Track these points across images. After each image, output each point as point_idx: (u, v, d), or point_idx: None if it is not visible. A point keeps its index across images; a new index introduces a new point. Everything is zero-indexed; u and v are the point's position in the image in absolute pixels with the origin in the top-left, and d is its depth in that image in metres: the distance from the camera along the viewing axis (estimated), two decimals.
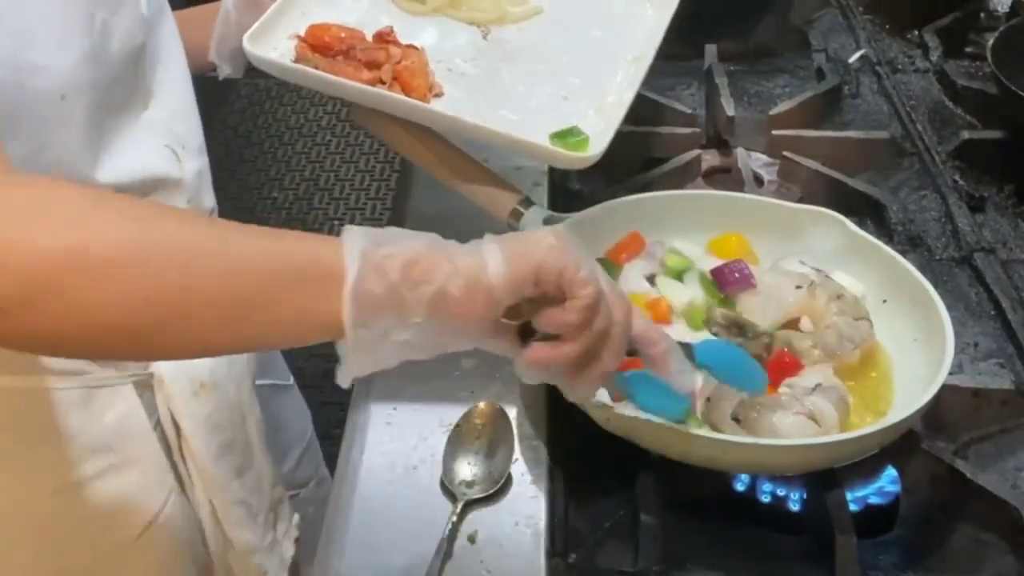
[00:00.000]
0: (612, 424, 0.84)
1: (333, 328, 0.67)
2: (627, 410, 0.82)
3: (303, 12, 1.05)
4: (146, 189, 0.93)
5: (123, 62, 0.91)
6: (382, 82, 1.00)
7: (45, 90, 0.82)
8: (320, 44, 1.02)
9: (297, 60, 1.00)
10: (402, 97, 0.98)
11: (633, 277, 1.00)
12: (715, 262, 0.99)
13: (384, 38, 1.04)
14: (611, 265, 1.00)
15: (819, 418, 0.84)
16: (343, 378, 0.71)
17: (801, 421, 0.83)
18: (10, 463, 0.97)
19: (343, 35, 1.03)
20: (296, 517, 1.18)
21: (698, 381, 0.82)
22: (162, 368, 0.99)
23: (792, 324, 0.94)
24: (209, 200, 1.04)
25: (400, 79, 1.01)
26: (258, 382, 1.12)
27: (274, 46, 1.01)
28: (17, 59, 0.80)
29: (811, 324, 0.94)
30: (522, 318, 0.70)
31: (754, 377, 0.85)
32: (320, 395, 2.40)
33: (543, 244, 0.68)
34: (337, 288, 0.65)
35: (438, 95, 1.03)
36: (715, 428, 0.85)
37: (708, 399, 0.87)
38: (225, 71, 1.11)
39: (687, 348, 0.79)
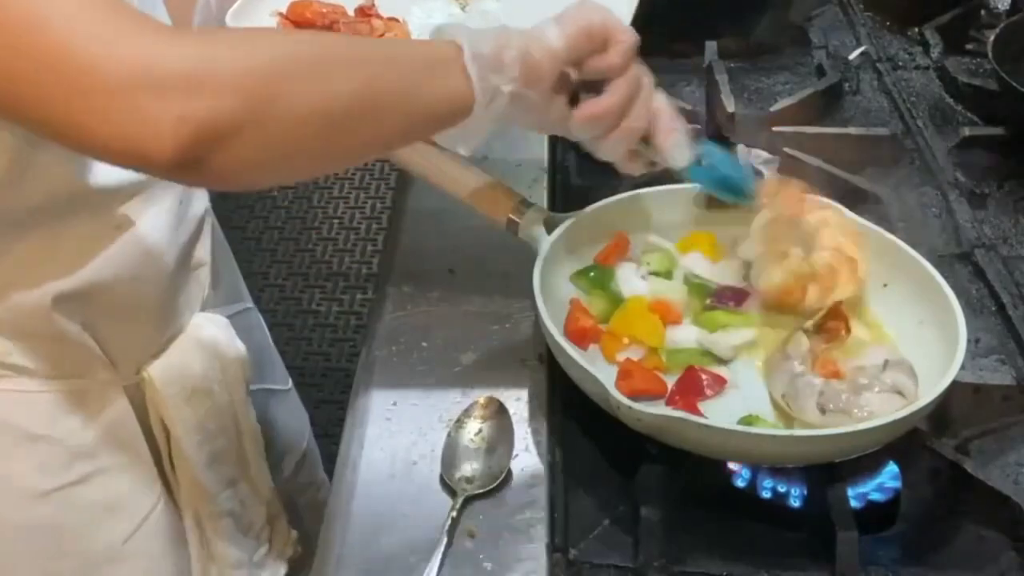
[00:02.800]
0: (643, 424, 0.83)
1: (462, 94, 0.81)
2: (654, 409, 0.82)
3: None
4: (135, 189, 0.92)
5: None
6: None
7: None
8: (302, 20, 1.03)
9: None
10: None
11: (631, 278, 1.00)
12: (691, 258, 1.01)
13: (366, 12, 1.05)
14: (603, 269, 1.00)
15: (903, 390, 0.85)
16: (467, 145, 0.87)
17: (887, 397, 0.85)
18: (1, 465, 0.96)
19: (324, 10, 1.04)
20: (294, 534, 1.17)
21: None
22: (154, 373, 0.98)
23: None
24: (201, 202, 1.03)
25: None
26: (254, 387, 1.11)
27: (257, 24, 1.01)
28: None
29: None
30: (572, 87, 0.87)
31: (746, 184, 0.98)
32: (319, 393, 2.42)
33: (589, 7, 0.86)
34: (459, 64, 0.80)
35: None
36: (799, 422, 0.86)
37: (783, 395, 0.88)
38: None
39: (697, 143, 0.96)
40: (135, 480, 1.01)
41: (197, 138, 0.67)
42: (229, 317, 1.08)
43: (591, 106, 0.87)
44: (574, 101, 0.87)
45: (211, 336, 1.04)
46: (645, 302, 0.97)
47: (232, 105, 0.68)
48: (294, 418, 1.30)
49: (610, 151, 0.90)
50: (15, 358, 0.91)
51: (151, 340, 0.99)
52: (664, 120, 0.91)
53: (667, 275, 1.00)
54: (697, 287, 0.98)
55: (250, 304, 1.23)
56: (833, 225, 0.97)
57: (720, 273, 1.00)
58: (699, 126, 1.12)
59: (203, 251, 1.05)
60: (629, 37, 0.86)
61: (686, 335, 0.96)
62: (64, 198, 0.87)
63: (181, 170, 0.69)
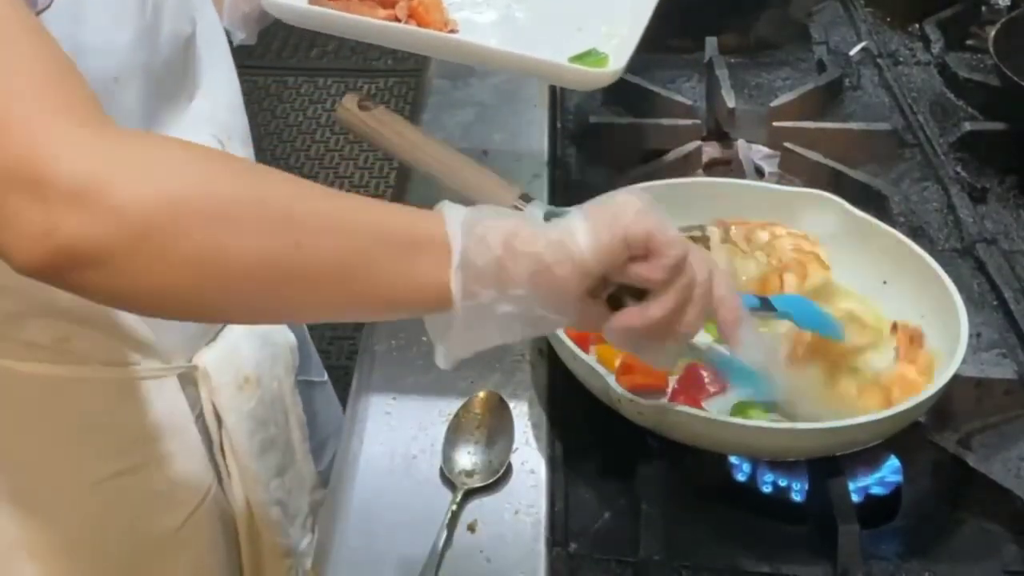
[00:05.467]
0: (644, 417, 0.83)
1: (439, 298, 0.67)
2: (656, 402, 0.82)
3: None
4: None
5: (172, 48, 0.91)
6: (397, 19, 0.99)
7: (100, 71, 0.81)
8: None
9: (312, 3, 1.00)
10: (427, 31, 0.98)
11: None
12: None
13: None
14: None
15: None
16: (445, 360, 0.71)
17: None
18: (51, 452, 0.96)
19: None
20: None
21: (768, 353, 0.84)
22: (206, 361, 0.98)
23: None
24: None
25: (416, 15, 1.01)
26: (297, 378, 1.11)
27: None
28: (72, 40, 0.78)
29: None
30: (610, 289, 0.71)
31: (831, 322, 0.89)
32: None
33: (629, 210, 0.68)
34: (444, 259, 0.66)
35: (453, 32, 1.02)
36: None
37: None
38: (238, 37, 1.10)
39: (765, 301, 0.84)
40: (187, 469, 1.01)
41: (59, 253, 0.62)
42: None
43: (630, 317, 0.71)
44: (615, 302, 0.72)
45: (261, 324, 1.04)
46: None
47: (106, 232, 0.61)
48: (330, 410, 1.31)
49: (655, 360, 0.76)
50: (73, 344, 0.91)
51: (203, 329, 1.00)
52: (729, 316, 0.75)
53: None
54: None
55: None
56: (784, 235, 0.98)
57: None
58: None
59: None
60: (675, 251, 0.69)
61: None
62: None
63: (41, 278, 0.64)
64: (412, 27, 0.99)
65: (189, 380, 0.99)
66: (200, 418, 1.00)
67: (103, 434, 0.95)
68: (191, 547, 1.02)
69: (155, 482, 0.98)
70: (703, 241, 0.99)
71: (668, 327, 0.71)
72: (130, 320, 0.92)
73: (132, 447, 0.97)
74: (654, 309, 0.70)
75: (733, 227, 0.99)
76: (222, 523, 1.04)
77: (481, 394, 0.90)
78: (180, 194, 0.62)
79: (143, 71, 0.86)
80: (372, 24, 0.98)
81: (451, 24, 1.03)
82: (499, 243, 0.66)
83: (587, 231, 0.68)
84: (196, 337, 0.99)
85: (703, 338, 0.87)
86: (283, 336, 1.07)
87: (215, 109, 0.98)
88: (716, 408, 0.87)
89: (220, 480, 1.03)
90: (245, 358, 1.02)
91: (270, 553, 1.07)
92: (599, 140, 1.26)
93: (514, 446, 0.87)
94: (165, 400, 0.97)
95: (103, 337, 0.92)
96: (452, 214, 0.67)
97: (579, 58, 1.00)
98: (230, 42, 1.08)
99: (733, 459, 0.88)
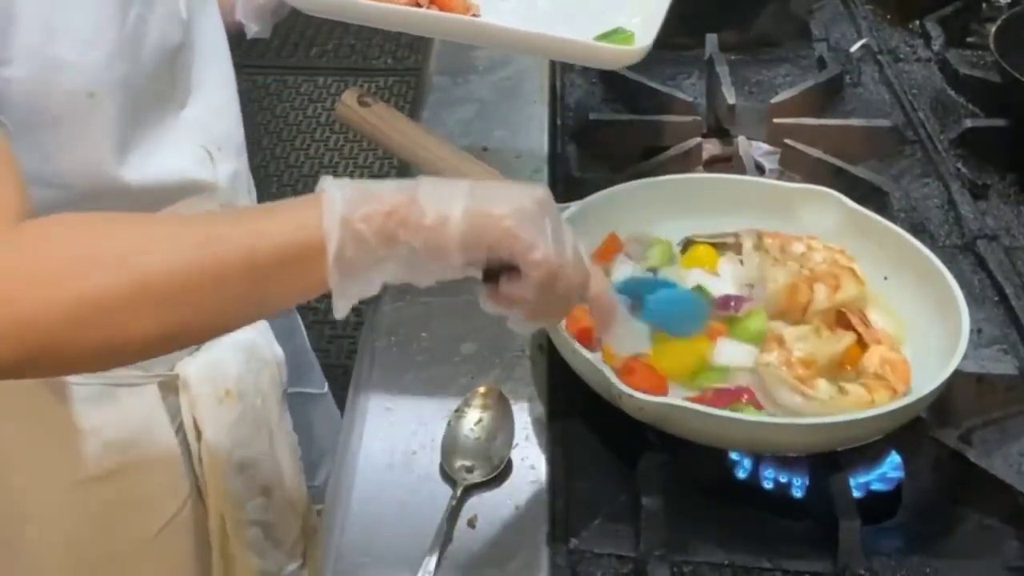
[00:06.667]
0: (644, 413, 0.83)
1: (322, 288, 0.70)
2: (656, 398, 0.82)
3: None
4: (176, 194, 0.91)
5: (158, 61, 0.88)
6: (419, 5, 0.98)
7: (72, 87, 0.80)
8: None
9: None
10: (451, 15, 0.97)
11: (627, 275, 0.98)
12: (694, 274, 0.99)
13: None
14: None
15: None
16: (339, 312, 0.73)
17: None
18: (31, 454, 0.96)
19: None
20: None
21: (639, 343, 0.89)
22: (188, 371, 0.98)
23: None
24: (244, 201, 1.01)
25: (437, 1, 0.99)
26: (289, 391, 1.10)
27: None
28: (42, 54, 0.78)
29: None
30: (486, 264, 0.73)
31: (695, 321, 0.91)
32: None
33: (500, 225, 0.69)
34: (321, 259, 0.68)
35: (475, 16, 1.02)
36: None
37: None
38: (253, 30, 1.09)
39: (635, 306, 0.87)
40: (164, 478, 1.00)
41: None
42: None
43: (496, 300, 0.74)
44: (490, 273, 0.73)
45: (248, 338, 1.03)
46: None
47: (14, 355, 0.66)
48: (329, 422, 1.28)
49: (521, 328, 0.79)
50: None
51: None
52: (603, 316, 0.79)
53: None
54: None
55: None
56: (820, 247, 0.97)
57: (722, 286, 0.98)
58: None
59: None
60: (539, 275, 0.70)
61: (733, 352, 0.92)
62: (103, 194, 0.86)
63: None
64: (435, 12, 0.98)
65: (170, 389, 0.98)
66: (180, 429, 1.00)
67: (80, 438, 0.95)
68: (166, 557, 1.02)
69: (131, 489, 0.98)
70: (735, 247, 0.98)
71: (536, 315, 0.75)
72: None
73: (109, 452, 0.96)
74: (518, 306, 0.74)
75: (768, 239, 0.98)
76: (199, 537, 1.03)
77: (481, 389, 0.90)
78: (74, 304, 0.66)
79: (122, 85, 0.83)
80: (394, 11, 0.96)
81: (473, 8, 1.02)
82: (374, 233, 0.68)
83: (460, 225, 0.69)
84: None
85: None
86: (270, 351, 1.06)
87: (207, 117, 0.96)
88: None
89: (200, 491, 1.02)
90: (227, 371, 1.01)
91: (245, 573, 1.06)
92: (599, 137, 1.26)
93: (514, 441, 0.87)
94: (143, 408, 0.97)
95: None
96: (331, 209, 0.68)
97: (605, 36, 1.00)
98: (238, 43, 1.06)
99: (734, 455, 0.88)
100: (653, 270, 0.99)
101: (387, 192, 0.70)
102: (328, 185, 0.70)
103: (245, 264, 0.68)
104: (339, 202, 0.68)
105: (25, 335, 0.66)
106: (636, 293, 0.88)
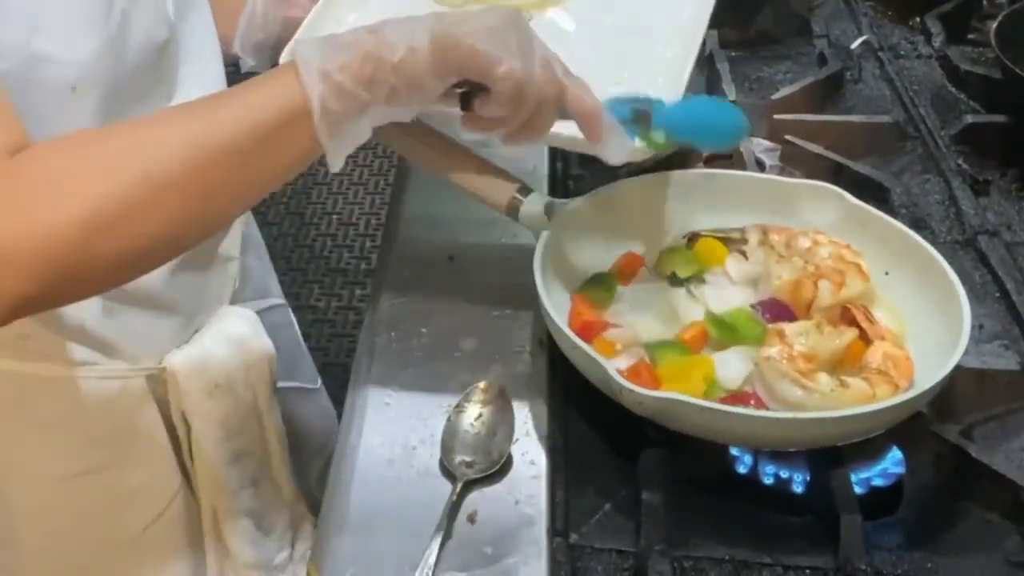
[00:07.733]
0: (644, 407, 0.82)
1: (316, 146, 0.74)
2: (656, 392, 0.81)
3: (337, 20, 1.00)
4: None
5: (143, 57, 0.87)
6: None
7: (55, 81, 0.79)
8: None
9: None
10: None
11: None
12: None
13: None
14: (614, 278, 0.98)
15: None
16: (334, 166, 0.76)
17: None
18: (19, 448, 0.95)
19: None
20: None
21: (635, 151, 0.86)
22: (176, 364, 0.97)
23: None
24: None
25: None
26: (282, 384, 1.09)
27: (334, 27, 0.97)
28: (25, 48, 0.77)
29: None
30: (463, 87, 0.77)
31: (726, 128, 0.88)
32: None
33: (465, 43, 0.73)
34: (307, 121, 0.72)
35: None
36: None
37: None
38: (248, 63, 1.08)
39: (645, 104, 0.84)
40: (153, 471, 1.00)
41: (12, 310, 0.69)
42: (259, 312, 1.07)
43: (481, 125, 0.78)
44: (468, 97, 0.77)
45: (237, 331, 1.02)
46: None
47: (32, 285, 0.68)
48: (322, 417, 1.28)
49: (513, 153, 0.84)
50: (34, 343, 0.90)
51: (175, 331, 0.99)
52: (589, 124, 0.80)
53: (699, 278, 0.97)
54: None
55: (281, 300, 1.21)
56: (826, 243, 0.97)
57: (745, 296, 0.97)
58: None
59: (232, 245, 1.04)
60: (507, 87, 0.74)
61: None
62: None
63: (16, 318, 0.71)
64: None
65: (158, 382, 0.97)
66: (170, 422, 0.99)
67: (67, 432, 0.95)
68: (157, 550, 1.01)
69: (120, 482, 0.98)
70: (740, 242, 0.98)
71: (517, 134, 0.78)
72: (90, 322, 0.91)
73: (97, 446, 0.96)
74: (501, 126, 0.77)
75: (774, 234, 0.97)
76: (191, 527, 1.03)
77: (481, 384, 0.90)
78: (81, 220, 0.68)
79: (105, 79, 0.83)
80: None
81: None
82: (351, 81, 0.72)
83: (430, 53, 0.72)
84: (166, 340, 0.98)
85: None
86: (260, 344, 1.05)
87: None
88: None
89: (191, 485, 1.02)
90: (217, 364, 1.00)
91: (238, 563, 1.06)
92: None
93: (514, 437, 0.87)
94: (131, 401, 0.96)
95: (61, 338, 0.91)
96: (307, 68, 0.71)
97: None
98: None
99: (734, 450, 0.87)
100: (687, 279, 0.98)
101: (357, 38, 0.73)
102: (300, 46, 0.73)
103: (246, 137, 0.72)
104: (315, 60, 0.72)
105: (38, 261, 0.67)
106: (641, 108, 0.85)
